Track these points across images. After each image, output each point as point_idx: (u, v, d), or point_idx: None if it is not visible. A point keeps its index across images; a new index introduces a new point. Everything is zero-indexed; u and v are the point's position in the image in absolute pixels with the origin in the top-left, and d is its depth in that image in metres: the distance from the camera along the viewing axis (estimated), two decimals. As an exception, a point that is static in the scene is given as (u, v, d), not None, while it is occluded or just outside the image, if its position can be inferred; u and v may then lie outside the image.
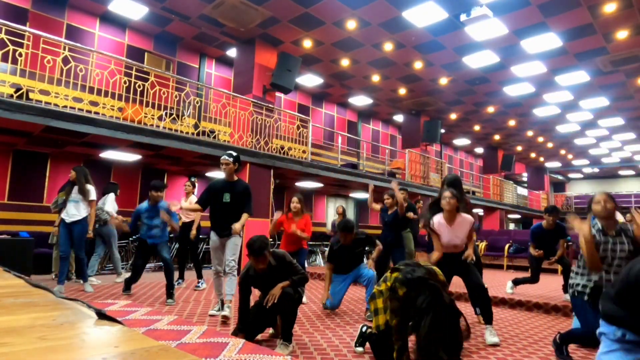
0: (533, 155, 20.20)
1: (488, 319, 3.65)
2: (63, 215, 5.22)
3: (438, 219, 3.56)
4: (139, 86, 7.07)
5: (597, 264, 2.77)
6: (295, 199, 5.10)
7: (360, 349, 3.10)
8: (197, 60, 10.69)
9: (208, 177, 10.41)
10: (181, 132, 7.38)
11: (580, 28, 8.22)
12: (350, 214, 14.43)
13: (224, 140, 8.60)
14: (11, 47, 5.65)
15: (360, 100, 13.61)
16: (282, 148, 9.17)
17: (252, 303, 3.36)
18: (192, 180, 6.48)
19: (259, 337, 3.37)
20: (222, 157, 4.28)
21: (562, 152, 19.49)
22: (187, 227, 6.18)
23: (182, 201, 6.33)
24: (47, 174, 7.96)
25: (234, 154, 4.32)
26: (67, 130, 5.82)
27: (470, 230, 3.63)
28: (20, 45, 5.81)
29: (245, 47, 9.34)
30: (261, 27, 8.65)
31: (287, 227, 5.03)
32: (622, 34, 8.35)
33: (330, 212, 13.87)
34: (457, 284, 4.97)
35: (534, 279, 5.47)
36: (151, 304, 4.68)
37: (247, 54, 9.29)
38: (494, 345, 3.50)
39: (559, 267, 5.66)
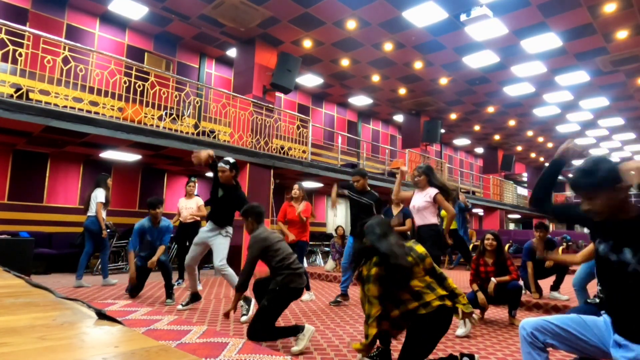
0: (533, 155, 20.19)
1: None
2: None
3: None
4: (139, 86, 7.06)
5: None
6: (296, 185, 5.55)
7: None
8: (197, 60, 10.69)
9: (208, 177, 10.40)
10: (181, 132, 7.38)
11: (580, 28, 8.22)
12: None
13: (224, 140, 8.60)
14: (11, 47, 5.65)
15: (360, 100, 13.61)
16: (282, 148, 9.17)
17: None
18: (193, 180, 6.46)
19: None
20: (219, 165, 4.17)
21: (562, 152, 19.48)
22: (185, 227, 6.17)
23: (183, 201, 6.33)
24: (47, 174, 7.96)
25: (231, 160, 4.20)
26: (67, 130, 5.82)
27: (434, 198, 4.03)
28: (20, 45, 5.81)
29: (245, 47, 9.34)
30: (261, 27, 8.65)
31: (289, 212, 5.46)
32: (622, 34, 8.35)
33: (330, 212, 13.86)
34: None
35: (537, 293, 5.39)
36: (151, 304, 4.68)
37: (247, 54, 9.29)
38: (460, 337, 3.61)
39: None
